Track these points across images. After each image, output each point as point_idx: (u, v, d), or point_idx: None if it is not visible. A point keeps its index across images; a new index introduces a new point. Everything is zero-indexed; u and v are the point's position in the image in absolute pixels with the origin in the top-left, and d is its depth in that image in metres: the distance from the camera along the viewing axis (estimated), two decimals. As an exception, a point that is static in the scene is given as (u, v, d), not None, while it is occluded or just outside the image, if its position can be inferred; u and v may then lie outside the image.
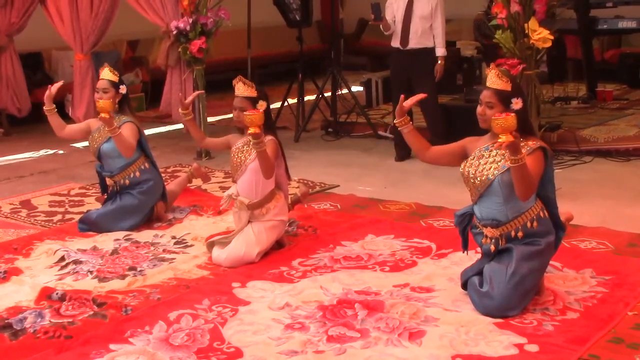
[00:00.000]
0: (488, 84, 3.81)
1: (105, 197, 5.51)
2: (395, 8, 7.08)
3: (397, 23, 7.06)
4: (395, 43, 7.13)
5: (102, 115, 5.04)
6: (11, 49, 8.96)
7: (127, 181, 5.37)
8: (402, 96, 4.07)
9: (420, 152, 4.12)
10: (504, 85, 3.75)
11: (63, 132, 5.59)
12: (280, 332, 3.70)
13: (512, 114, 3.51)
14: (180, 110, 5.15)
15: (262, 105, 4.53)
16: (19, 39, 9.07)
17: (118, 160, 5.33)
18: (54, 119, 5.52)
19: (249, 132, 4.35)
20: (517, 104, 3.72)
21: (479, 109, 3.84)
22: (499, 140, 3.51)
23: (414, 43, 7.01)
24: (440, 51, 7.04)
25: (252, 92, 4.65)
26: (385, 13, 7.09)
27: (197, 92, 5.79)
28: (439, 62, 7.04)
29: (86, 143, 5.72)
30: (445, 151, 4.13)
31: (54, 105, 5.46)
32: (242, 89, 4.67)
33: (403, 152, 7.18)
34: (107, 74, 5.33)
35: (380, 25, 7.15)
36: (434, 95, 7.11)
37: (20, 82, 9.03)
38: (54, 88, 5.43)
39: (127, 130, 5.26)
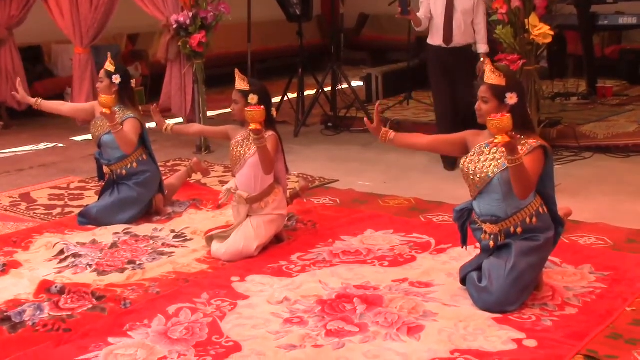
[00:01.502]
0: (484, 79, 3.81)
1: (102, 185, 5.53)
2: (432, 2, 6.55)
3: (436, 19, 6.56)
4: (436, 41, 6.60)
5: (104, 110, 5.05)
6: (11, 42, 8.95)
7: (123, 171, 5.38)
8: (366, 120, 4.15)
9: (416, 145, 4.19)
10: (498, 80, 3.75)
11: (64, 110, 5.66)
12: (279, 326, 3.70)
13: (508, 115, 3.50)
14: (162, 131, 5.18)
15: (252, 98, 4.52)
16: (18, 32, 9.05)
17: (117, 151, 5.34)
18: (47, 106, 5.59)
19: (250, 128, 4.36)
20: (511, 98, 3.70)
21: (477, 104, 3.85)
22: (495, 141, 3.51)
23: (458, 40, 6.51)
24: (483, 48, 6.53)
25: (244, 86, 4.66)
26: (420, 8, 6.63)
27: (154, 108, 5.35)
28: (482, 60, 6.44)
29: (87, 137, 5.73)
30: (445, 140, 4.15)
31: (35, 98, 5.60)
32: (237, 81, 4.70)
33: (451, 159, 6.58)
34: (106, 64, 5.36)
35: (411, 21, 6.72)
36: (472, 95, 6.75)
37: (20, 76, 8.98)
38: (20, 91, 5.57)
39: (129, 126, 5.27)
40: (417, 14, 6.63)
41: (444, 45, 6.58)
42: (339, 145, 7.88)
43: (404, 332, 3.59)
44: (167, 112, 8.68)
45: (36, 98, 5.60)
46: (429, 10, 6.61)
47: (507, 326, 3.61)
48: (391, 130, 4.10)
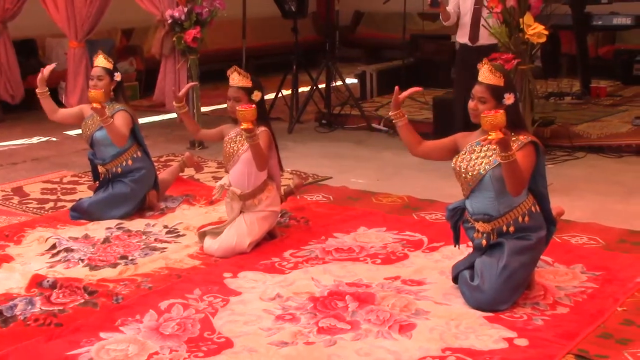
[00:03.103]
0: (481, 78, 3.80)
1: (97, 184, 5.51)
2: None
3: (463, 16, 6.42)
4: (463, 39, 6.50)
5: (94, 105, 5.03)
6: (5, 36, 8.92)
7: (119, 169, 5.36)
8: (396, 87, 4.03)
9: (412, 147, 4.11)
10: (496, 80, 3.75)
11: (55, 116, 5.58)
12: (270, 322, 3.70)
13: (501, 111, 3.51)
14: (174, 103, 5.12)
15: (257, 95, 4.53)
16: (12, 25, 9.02)
17: (110, 148, 5.32)
18: (47, 102, 5.51)
19: (242, 127, 4.34)
20: (509, 99, 3.73)
21: (471, 103, 3.84)
22: (489, 137, 3.51)
23: (485, 39, 6.27)
24: None
25: (247, 83, 4.64)
26: (449, 2, 6.47)
27: (190, 84, 5.65)
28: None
29: (79, 130, 5.71)
30: (437, 146, 4.13)
31: (47, 89, 5.45)
32: (237, 79, 4.66)
33: None
34: (101, 61, 5.31)
35: (440, 15, 6.54)
36: None
37: (14, 69, 8.99)
38: (46, 71, 5.40)
39: (120, 119, 5.25)
40: (447, 7, 6.48)
41: (469, 44, 6.44)
42: (332, 142, 7.88)
43: (396, 330, 3.59)
44: (160, 107, 8.70)
45: (47, 89, 5.48)
46: (458, 6, 6.45)
47: (498, 325, 3.62)
48: (405, 117, 4.06)
